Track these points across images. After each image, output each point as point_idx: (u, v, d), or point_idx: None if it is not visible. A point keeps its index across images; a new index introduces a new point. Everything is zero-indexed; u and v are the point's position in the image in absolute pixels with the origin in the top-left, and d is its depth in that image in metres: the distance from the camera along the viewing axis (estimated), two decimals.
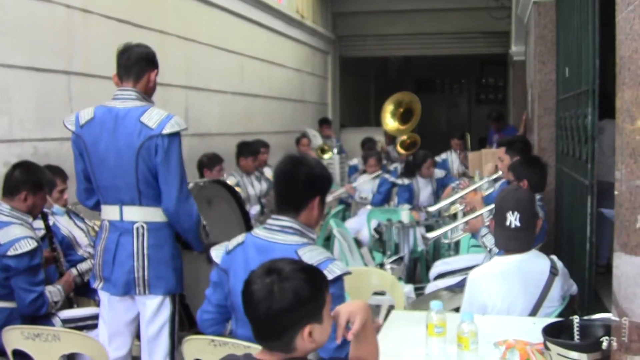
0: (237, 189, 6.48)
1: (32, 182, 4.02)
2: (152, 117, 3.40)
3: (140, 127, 3.38)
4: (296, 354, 2.07)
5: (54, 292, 4.03)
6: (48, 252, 4.28)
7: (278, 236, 2.88)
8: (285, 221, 2.89)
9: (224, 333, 3.06)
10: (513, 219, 3.47)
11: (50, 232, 4.34)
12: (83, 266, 4.49)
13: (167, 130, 3.38)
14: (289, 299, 2.01)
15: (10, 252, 3.74)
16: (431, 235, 5.31)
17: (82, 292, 4.57)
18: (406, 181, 8.19)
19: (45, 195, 4.19)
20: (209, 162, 7.03)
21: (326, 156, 10.69)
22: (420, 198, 8.15)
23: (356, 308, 2.22)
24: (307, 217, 2.92)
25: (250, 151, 7.71)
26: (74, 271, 4.42)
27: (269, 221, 2.95)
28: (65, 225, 4.70)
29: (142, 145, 3.37)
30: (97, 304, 4.05)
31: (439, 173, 8.48)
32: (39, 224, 4.28)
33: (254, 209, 7.45)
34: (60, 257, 4.38)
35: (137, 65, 3.53)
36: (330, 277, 2.60)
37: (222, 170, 7.10)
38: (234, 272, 2.88)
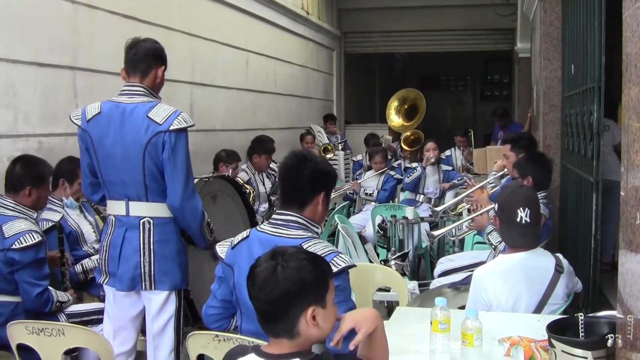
0: (247, 186, 6.50)
1: (34, 176, 4.02)
2: (160, 113, 3.40)
3: (148, 123, 3.38)
4: (300, 341, 2.09)
5: (61, 294, 4.04)
6: (55, 254, 4.28)
7: (283, 230, 2.88)
8: (290, 216, 2.90)
9: (229, 328, 3.07)
10: (524, 215, 3.48)
11: (62, 238, 4.36)
12: (88, 264, 4.51)
13: (174, 126, 3.38)
14: (293, 278, 2.05)
15: (15, 245, 3.75)
16: (436, 233, 5.31)
17: (84, 287, 4.58)
18: (413, 164, 8.52)
19: (49, 186, 4.18)
20: (228, 157, 7.04)
21: (329, 156, 10.69)
22: (427, 183, 8.28)
23: (363, 318, 2.23)
24: (312, 213, 2.93)
25: (265, 149, 7.71)
26: (78, 267, 4.44)
27: (274, 216, 2.96)
28: (75, 219, 4.71)
29: (149, 141, 3.37)
30: (102, 300, 4.05)
31: (444, 167, 8.69)
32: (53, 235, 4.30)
33: (262, 207, 7.45)
34: (67, 262, 4.38)
35: (144, 61, 3.52)
36: (335, 269, 2.61)
37: (237, 168, 7.09)
38: (239, 267, 2.88)
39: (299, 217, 2.90)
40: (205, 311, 3.11)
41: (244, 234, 3.01)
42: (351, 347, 2.19)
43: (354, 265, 2.84)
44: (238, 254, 2.93)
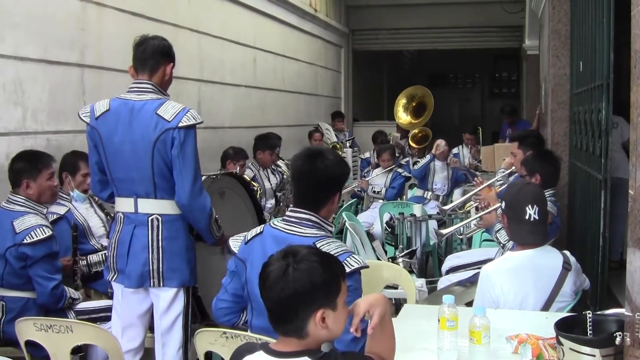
0: (253, 183, 6.50)
1: (27, 169, 4.02)
2: (169, 110, 3.41)
3: (157, 120, 3.39)
4: (309, 341, 2.08)
5: (72, 291, 4.06)
6: (67, 262, 4.28)
7: (296, 228, 2.87)
8: (304, 214, 2.89)
9: (238, 323, 3.07)
10: (532, 213, 3.48)
11: (76, 236, 4.37)
12: (93, 258, 4.52)
13: (183, 123, 3.39)
14: (303, 280, 2.04)
15: (26, 240, 3.78)
16: (445, 231, 5.30)
17: (88, 282, 4.58)
18: (423, 160, 8.64)
19: (50, 176, 4.11)
20: (235, 155, 7.04)
21: None
22: (435, 179, 8.30)
23: (375, 301, 2.24)
24: (327, 212, 2.93)
25: (268, 145, 7.70)
26: (83, 261, 4.45)
27: (288, 213, 2.94)
28: (83, 212, 4.71)
29: (158, 137, 3.38)
30: (110, 297, 4.07)
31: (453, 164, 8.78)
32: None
33: (269, 203, 7.46)
34: (80, 262, 4.39)
35: (152, 58, 3.53)
36: (347, 270, 2.60)
37: (244, 166, 7.10)
38: (251, 262, 2.88)
39: (313, 216, 2.89)
40: (216, 304, 3.10)
41: (258, 229, 3.00)
42: (370, 331, 2.20)
43: (367, 266, 2.82)
44: (251, 250, 2.93)
